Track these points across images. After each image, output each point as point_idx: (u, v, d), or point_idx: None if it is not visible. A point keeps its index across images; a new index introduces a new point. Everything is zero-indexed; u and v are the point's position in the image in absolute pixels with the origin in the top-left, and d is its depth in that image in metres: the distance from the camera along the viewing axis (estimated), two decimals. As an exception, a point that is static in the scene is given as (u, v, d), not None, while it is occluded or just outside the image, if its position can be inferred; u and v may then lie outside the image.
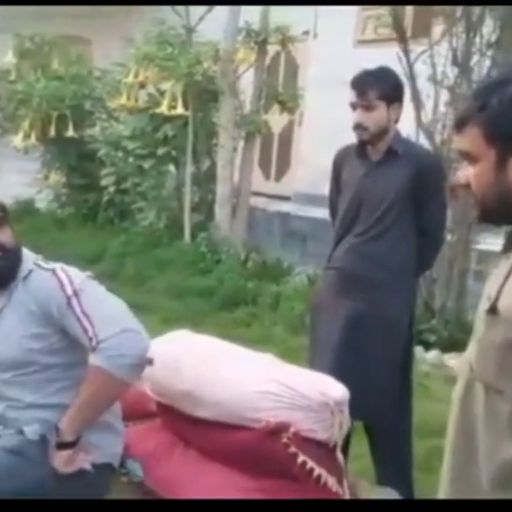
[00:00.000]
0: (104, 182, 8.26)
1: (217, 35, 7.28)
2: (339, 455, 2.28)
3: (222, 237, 7.11)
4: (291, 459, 2.17)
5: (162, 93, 7.62)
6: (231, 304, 6.04)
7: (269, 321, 5.62)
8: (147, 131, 7.71)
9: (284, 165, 9.85)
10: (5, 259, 2.20)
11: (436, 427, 3.65)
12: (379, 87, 2.84)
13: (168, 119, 7.43)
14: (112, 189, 8.23)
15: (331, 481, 2.21)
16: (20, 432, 2.17)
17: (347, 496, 2.22)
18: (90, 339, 2.10)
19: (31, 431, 2.16)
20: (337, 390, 2.29)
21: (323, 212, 8.69)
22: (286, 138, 9.71)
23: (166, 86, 7.34)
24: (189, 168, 7.44)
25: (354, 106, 2.88)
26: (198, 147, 7.57)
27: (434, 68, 5.30)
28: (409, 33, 8.68)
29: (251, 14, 7.35)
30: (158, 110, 7.08)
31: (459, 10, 5.26)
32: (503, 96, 1.38)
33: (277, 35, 7.42)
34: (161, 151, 7.63)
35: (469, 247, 5.24)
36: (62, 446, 2.13)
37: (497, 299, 1.45)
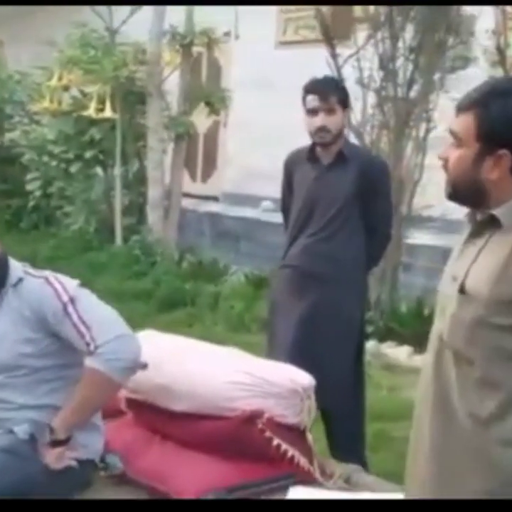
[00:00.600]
0: (29, 187, 8.27)
1: (141, 37, 7.42)
2: (309, 437, 2.52)
3: (156, 240, 7.26)
4: (267, 442, 2.39)
5: (86, 96, 7.71)
6: (169, 305, 6.21)
7: (209, 321, 5.81)
8: (72, 134, 7.77)
9: (210, 166, 10.05)
10: None
11: (378, 412, 3.94)
12: (338, 93, 3.10)
13: (94, 122, 7.52)
14: (37, 194, 8.25)
15: (303, 461, 2.45)
16: (11, 432, 2.30)
17: (317, 475, 2.45)
18: (87, 344, 2.26)
19: (21, 430, 2.30)
20: (304, 378, 2.53)
21: (252, 212, 9.01)
22: (212, 139, 9.91)
23: (90, 89, 7.43)
24: (118, 171, 7.55)
25: (316, 110, 3.11)
26: (127, 150, 7.68)
27: (361, 72, 5.61)
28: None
29: (175, 15, 7.51)
30: (85, 113, 7.16)
31: (382, 16, 5.59)
32: (505, 106, 1.58)
33: (203, 38, 7.61)
34: (88, 155, 7.71)
35: (401, 242, 5.58)
36: (55, 444, 2.28)
37: (464, 280, 1.62)
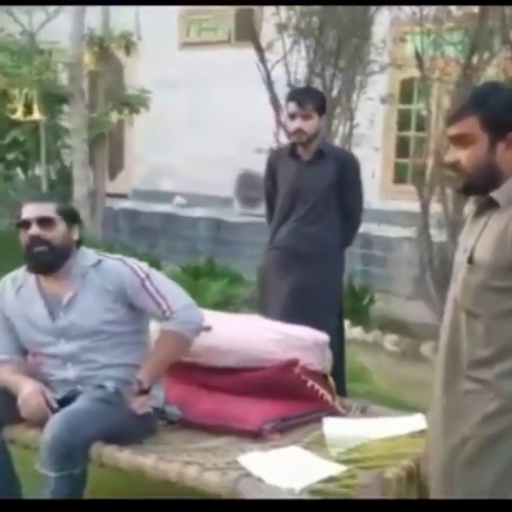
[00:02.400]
0: None
1: (61, 40, 7.82)
2: (330, 380, 3.23)
3: (84, 238, 7.67)
4: (303, 384, 3.09)
5: (6, 97, 8.00)
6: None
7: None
8: (-9, 137, 8.05)
9: (117, 164, 10.51)
10: (49, 253, 2.84)
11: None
12: (314, 101, 3.81)
13: (15, 124, 7.84)
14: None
15: (329, 398, 3.15)
16: (100, 386, 2.87)
17: (340, 408, 3.16)
18: (164, 311, 2.88)
19: (109, 384, 2.88)
20: (322, 334, 3.25)
21: (166, 208, 9.53)
22: (118, 138, 10.37)
23: (13, 91, 7.75)
24: (43, 172, 7.92)
25: (294, 115, 3.81)
26: (49, 150, 8.06)
27: (289, 75, 6.35)
28: (233, 38, 9.83)
29: (92, 18, 7.94)
30: (14, 116, 7.49)
31: (303, 23, 6.33)
32: (499, 97, 1.96)
33: (121, 41, 8.11)
34: (10, 156, 8.03)
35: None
36: (141, 393, 2.86)
37: (472, 251, 1.99)
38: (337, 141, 6.22)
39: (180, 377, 3.29)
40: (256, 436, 2.92)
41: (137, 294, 2.90)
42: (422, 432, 2.82)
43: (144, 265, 2.98)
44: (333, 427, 2.99)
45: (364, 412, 3.21)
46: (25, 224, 2.86)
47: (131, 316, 2.96)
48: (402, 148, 7.85)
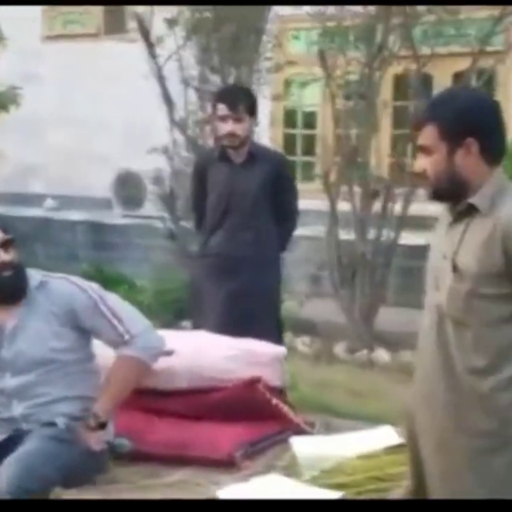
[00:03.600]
0: None
1: None
2: (288, 395, 3.06)
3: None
4: (268, 402, 2.89)
5: None
6: None
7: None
8: None
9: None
10: (17, 276, 2.58)
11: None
12: (246, 102, 3.61)
13: None
14: None
15: (293, 415, 2.98)
16: (50, 424, 2.56)
17: (304, 426, 3.00)
18: (120, 335, 2.59)
19: (60, 421, 2.57)
20: (280, 347, 3.08)
21: (36, 212, 9.01)
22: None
23: None
24: None
25: (224, 118, 3.59)
26: None
27: (182, 71, 6.11)
28: (102, 31, 9.45)
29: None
30: None
31: (195, 18, 6.11)
32: (455, 107, 1.98)
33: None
34: None
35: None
36: (97, 427, 2.57)
37: (455, 258, 1.94)
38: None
39: (125, 404, 3.02)
40: (226, 465, 2.71)
41: (90, 316, 2.61)
42: (397, 447, 2.72)
43: (94, 285, 2.70)
44: (302, 447, 2.80)
45: (328, 428, 3.06)
46: None
47: (81, 342, 2.67)
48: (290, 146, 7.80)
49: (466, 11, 5.55)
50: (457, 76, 6.73)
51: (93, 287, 2.66)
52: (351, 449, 2.78)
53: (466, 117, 1.96)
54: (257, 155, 3.71)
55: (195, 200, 3.91)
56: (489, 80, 5.88)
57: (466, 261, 1.92)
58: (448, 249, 1.98)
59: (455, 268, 1.94)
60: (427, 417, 2.05)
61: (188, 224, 5.46)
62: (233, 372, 2.91)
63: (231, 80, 6.10)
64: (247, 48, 6.10)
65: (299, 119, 7.80)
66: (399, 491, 2.35)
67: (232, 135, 3.60)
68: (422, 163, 2.02)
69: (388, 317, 5.57)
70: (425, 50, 5.48)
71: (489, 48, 5.54)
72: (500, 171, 2.01)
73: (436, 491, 2.04)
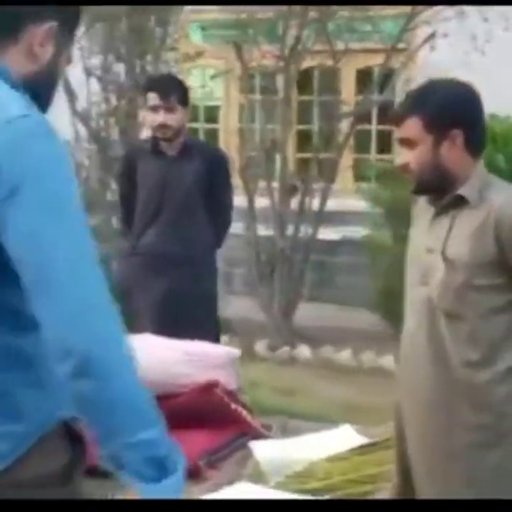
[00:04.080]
0: None
1: None
2: (244, 398, 2.95)
3: None
4: (227, 407, 2.77)
5: None
6: None
7: None
8: None
9: None
10: None
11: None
12: (178, 91, 3.44)
13: None
14: None
15: (250, 419, 2.87)
16: None
17: (262, 429, 2.89)
18: None
19: None
20: (233, 349, 2.96)
21: None
22: None
23: None
24: None
25: (155, 108, 3.41)
26: None
27: (84, 61, 5.83)
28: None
29: None
30: None
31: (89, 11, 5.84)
32: (438, 98, 1.95)
33: None
34: None
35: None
36: None
37: (444, 251, 1.92)
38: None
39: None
40: (191, 475, 2.54)
41: None
42: (366, 447, 2.67)
43: None
44: (264, 452, 2.70)
45: (285, 431, 2.96)
46: None
47: None
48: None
49: (378, 9, 5.59)
50: (361, 72, 6.80)
51: None
52: (314, 451, 2.70)
53: (451, 109, 1.94)
54: (192, 148, 3.54)
55: (123, 196, 3.69)
56: (391, 77, 5.95)
57: (457, 252, 1.91)
58: (434, 242, 1.96)
59: (446, 260, 1.92)
60: (415, 413, 2.01)
61: (94, 219, 5.24)
62: (188, 376, 2.77)
63: (137, 70, 5.91)
64: (152, 38, 5.92)
65: (201, 114, 7.65)
66: (386, 493, 2.29)
67: (164, 126, 3.42)
68: (405, 156, 1.98)
69: (307, 313, 5.54)
70: (340, 46, 5.47)
71: (400, 46, 5.61)
72: (482, 163, 2.00)
73: (423, 489, 1.99)
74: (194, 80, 7.13)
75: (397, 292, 2.29)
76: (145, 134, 4.09)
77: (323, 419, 3.48)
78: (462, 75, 2.16)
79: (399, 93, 5.80)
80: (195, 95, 7.73)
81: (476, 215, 1.91)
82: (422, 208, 2.08)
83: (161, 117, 3.40)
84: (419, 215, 2.08)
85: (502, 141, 4.36)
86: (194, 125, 7.71)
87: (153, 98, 3.42)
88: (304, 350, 5.30)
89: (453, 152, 1.94)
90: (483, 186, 1.95)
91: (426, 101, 1.95)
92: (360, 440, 2.75)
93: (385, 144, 6.82)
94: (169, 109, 3.40)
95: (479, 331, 1.91)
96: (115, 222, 5.12)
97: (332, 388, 4.76)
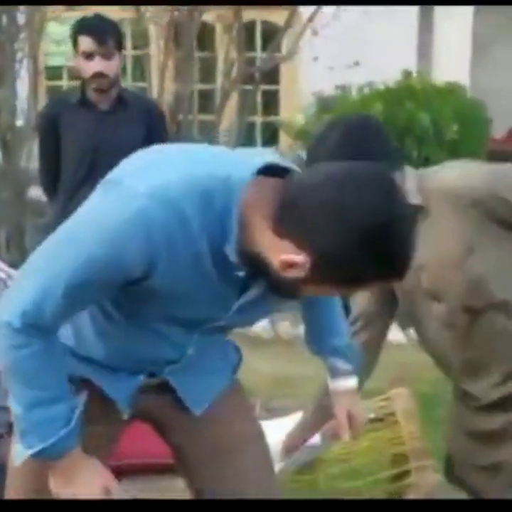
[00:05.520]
0: None
1: None
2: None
3: None
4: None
5: None
6: None
7: None
8: None
9: None
10: None
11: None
12: (115, 36, 3.04)
13: None
14: None
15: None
16: None
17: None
18: None
19: None
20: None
21: None
22: None
23: None
24: None
25: (90, 54, 3.00)
26: None
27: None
28: None
29: None
30: None
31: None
32: None
33: None
34: None
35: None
36: None
37: (425, 267, 1.83)
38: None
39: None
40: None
41: None
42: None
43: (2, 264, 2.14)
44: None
45: (270, 410, 2.72)
46: None
47: None
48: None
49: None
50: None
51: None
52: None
53: None
54: (127, 100, 3.16)
55: (44, 156, 3.24)
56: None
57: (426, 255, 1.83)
58: (420, 258, 1.81)
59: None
60: None
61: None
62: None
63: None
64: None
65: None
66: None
67: (100, 75, 3.03)
68: None
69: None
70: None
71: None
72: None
73: None
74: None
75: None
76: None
77: (255, 394, 3.29)
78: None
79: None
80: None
81: (437, 221, 1.81)
82: None
83: (97, 65, 3.00)
84: None
85: (423, 98, 4.28)
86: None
87: (87, 42, 3.00)
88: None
89: None
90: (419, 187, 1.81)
91: None
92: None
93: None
94: (106, 56, 3.01)
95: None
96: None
97: (254, 361, 4.57)
